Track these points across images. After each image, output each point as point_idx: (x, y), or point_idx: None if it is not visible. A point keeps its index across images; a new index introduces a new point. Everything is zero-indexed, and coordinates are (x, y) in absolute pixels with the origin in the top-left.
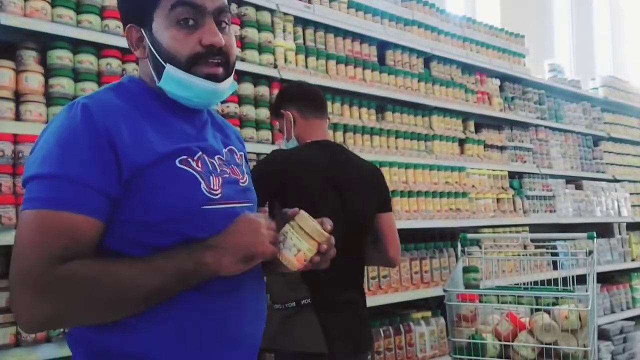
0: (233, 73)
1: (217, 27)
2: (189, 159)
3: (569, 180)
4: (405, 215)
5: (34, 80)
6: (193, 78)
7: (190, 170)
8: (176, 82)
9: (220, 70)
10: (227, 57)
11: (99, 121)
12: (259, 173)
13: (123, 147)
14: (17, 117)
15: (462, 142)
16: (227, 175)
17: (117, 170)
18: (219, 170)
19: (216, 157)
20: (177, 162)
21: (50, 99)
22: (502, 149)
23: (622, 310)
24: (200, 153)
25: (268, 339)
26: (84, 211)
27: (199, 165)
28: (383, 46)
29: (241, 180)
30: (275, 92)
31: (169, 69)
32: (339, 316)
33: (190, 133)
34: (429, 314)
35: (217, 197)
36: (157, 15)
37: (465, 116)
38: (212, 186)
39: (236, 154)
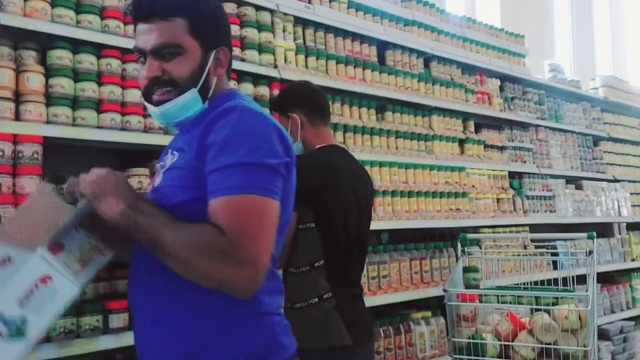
0: (190, 92)
1: (158, 61)
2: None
3: (569, 180)
4: (405, 215)
5: (34, 80)
6: (148, 106)
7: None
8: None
9: (167, 96)
10: (170, 83)
11: None
12: (300, 172)
13: None
14: (17, 117)
15: (462, 142)
16: (154, 184)
17: None
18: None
19: (159, 166)
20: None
21: (50, 99)
22: (502, 149)
23: (622, 310)
24: (158, 164)
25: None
26: None
27: (154, 180)
28: (383, 46)
29: (154, 184)
30: (276, 92)
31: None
32: (356, 307)
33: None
34: (429, 314)
35: None
36: None
37: (465, 116)
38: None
39: (169, 156)
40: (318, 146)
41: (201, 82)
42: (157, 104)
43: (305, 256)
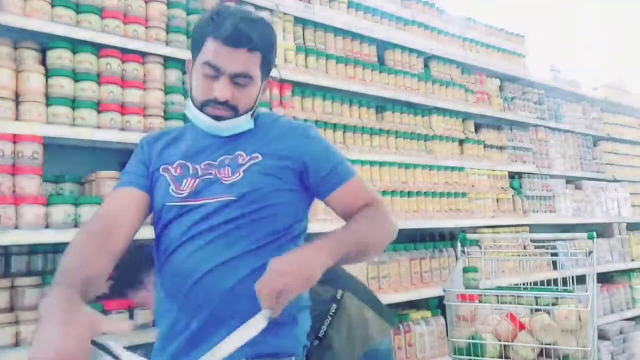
0: (246, 115)
1: (231, 84)
2: (169, 167)
3: (569, 180)
4: (404, 215)
5: (33, 80)
6: (200, 114)
7: (166, 175)
8: (191, 114)
9: (224, 113)
10: (233, 107)
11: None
12: None
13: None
14: (17, 117)
15: (461, 142)
16: (209, 177)
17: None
18: (200, 173)
19: (202, 164)
20: (160, 169)
21: (49, 99)
22: (501, 149)
23: (621, 310)
24: (180, 162)
25: None
26: None
27: (177, 171)
28: (383, 46)
29: (225, 179)
30: (275, 92)
31: (189, 102)
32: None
33: (200, 146)
34: (428, 314)
35: (182, 195)
36: (197, 61)
37: (465, 116)
38: (182, 187)
39: (242, 157)
40: None
41: (256, 106)
42: (215, 118)
43: None
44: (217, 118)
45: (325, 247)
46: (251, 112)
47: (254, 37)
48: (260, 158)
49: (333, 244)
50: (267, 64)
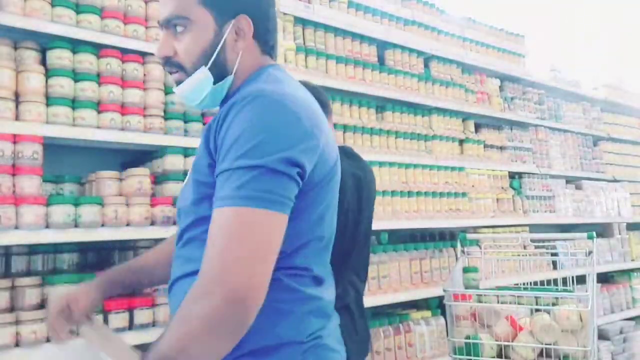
0: (199, 72)
1: (171, 36)
2: None
3: (569, 180)
4: (405, 215)
5: (34, 80)
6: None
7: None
8: None
9: (176, 76)
10: (178, 64)
11: None
12: None
13: None
14: (17, 117)
15: (461, 142)
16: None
17: None
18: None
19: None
20: None
21: (49, 99)
22: (501, 149)
23: (621, 310)
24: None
25: None
26: None
27: None
28: (383, 46)
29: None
30: None
31: None
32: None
33: None
34: (428, 314)
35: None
36: None
37: (465, 116)
38: None
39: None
40: None
41: (212, 59)
42: (176, 84)
43: None
44: (177, 84)
45: None
46: (208, 67)
47: None
48: (196, 156)
49: None
50: (214, 1)
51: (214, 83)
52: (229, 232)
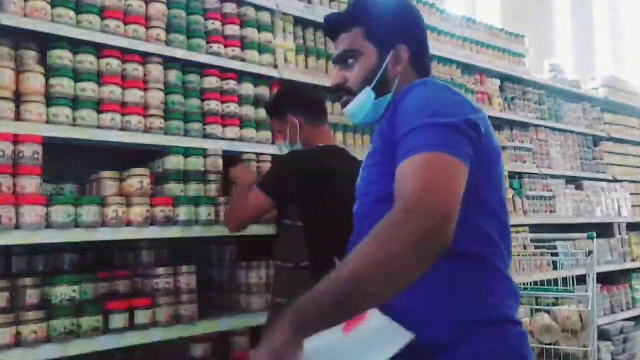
0: (363, 92)
1: (342, 68)
2: None
3: (569, 180)
4: None
5: (34, 80)
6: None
7: None
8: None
9: (345, 99)
10: (347, 89)
11: None
12: (283, 173)
13: None
14: (17, 117)
15: None
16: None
17: None
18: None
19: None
20: None
21: (50, 99)
22: (502, 149)
23: (622, 310)
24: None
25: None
26: None
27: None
28: None
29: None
30: (275, 92)
31: None
32: None
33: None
34: None
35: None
36: None
37: None
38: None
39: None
40: (318, 145)
41: (375, 80)
42: (342, 106)
43: (290, 254)
44: (344, 105)
45: (290, 317)
46: (372, 87)
47: (342, 19)
48: (371, 149)
49: (298, 310)
50: (375, 34)
51: (375, 99)
52: (422, 168)
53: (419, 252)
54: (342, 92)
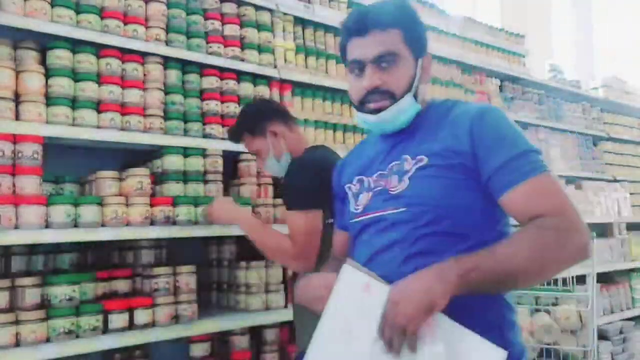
0: (405, 98)
1: (377, 70)
2: (350, 185)
3: (569, 180)
4: None
5: (33, 80)
6: (361, 114)
7: (349, 193)
8: (359, 121)
9: (381, 103)
10: (387, 92)
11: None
12: (307, 181)
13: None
14: (17, 117)
15: None
16: (379, 188)
17: None
18: (372, 185)
19: (374, 175)
20: (346, 186)
21: (49, 99)
22: None
23: (621, 310)
24: (358, 177)
25: None
26: None
27: (356, 187)
28: None
29: (391, 189)
30: (275, 92)
31: (353, 108)
32: None
33: (373, 155)
34: None
35: (359, 211)
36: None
37: None
38: (358, 203)
39: (408, 161)
40: (305, 148)
41: (414, 87)
42: (374, 111)
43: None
44: (378, 111)
45: (453, 270)
46: (412, 93)
47: (381, 16)
48: (426, 160)
49: (465, 268)
50: (413, 40)
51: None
52: (557, 188)
53: (575, 262)
54: (379, 95)
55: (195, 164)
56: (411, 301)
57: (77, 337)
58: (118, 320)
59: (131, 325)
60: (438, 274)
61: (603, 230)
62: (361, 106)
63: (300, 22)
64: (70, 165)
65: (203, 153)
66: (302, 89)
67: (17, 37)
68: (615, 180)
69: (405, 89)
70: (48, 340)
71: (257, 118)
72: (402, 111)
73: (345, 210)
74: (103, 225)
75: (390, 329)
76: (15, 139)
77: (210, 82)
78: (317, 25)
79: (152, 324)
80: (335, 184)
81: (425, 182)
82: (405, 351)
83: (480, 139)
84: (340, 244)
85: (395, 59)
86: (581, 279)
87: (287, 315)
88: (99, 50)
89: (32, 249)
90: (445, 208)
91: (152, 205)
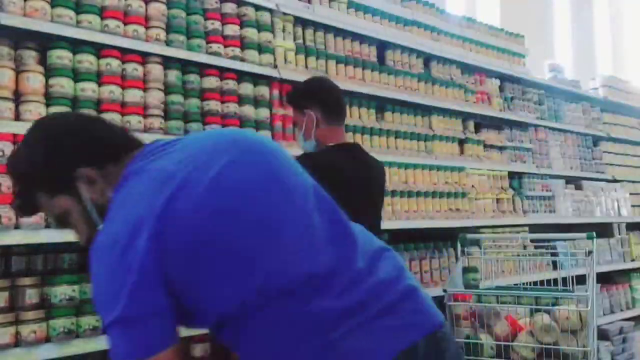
0: None
1: None
2: None
3: (569, 180)
4: (405, 215)
5: (34, 80)
6: None
7: None
8: None
9: None
10: None
11: None
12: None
13: None
14: (17, 117)
15: (461, 142)
16: None
17: None
18: None
19: None
20: None
21: (50, 99)
22: (501, 149)
23: (621, 310)
24: None
25: None
26: None
27: None
28: (383, 46)
29: None
30: (275, 92)
31: None
32: None
33: None
34: None
35: None
36: None
37: (464, 116)
38: None
39: None
40: (329, 145)
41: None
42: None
43: None
44: None
45: None
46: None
47: None
48: None
49: None
50: None
51: None
52: None
53: None
54: None
55: None
56: None
57: (77, 337)
58: None
59: None
60: None
61: (603, 230)
62: None
63: (301, 22)
64: None
65: None
66: None
67: (17, 37)
68: (615, 180)
69: None
70: (48, 340)
71: (302, 94)
72: None
73: None
74: None
75: None
76: (15, 139)
77: (211, 82)
78: (317, 25)
79: None
80: None
81: None
82: None
83: None
84: None
85: None
86: (581, 279)
87: None
88: (99, 50)
89: (32, 249)
90: None
91: None
